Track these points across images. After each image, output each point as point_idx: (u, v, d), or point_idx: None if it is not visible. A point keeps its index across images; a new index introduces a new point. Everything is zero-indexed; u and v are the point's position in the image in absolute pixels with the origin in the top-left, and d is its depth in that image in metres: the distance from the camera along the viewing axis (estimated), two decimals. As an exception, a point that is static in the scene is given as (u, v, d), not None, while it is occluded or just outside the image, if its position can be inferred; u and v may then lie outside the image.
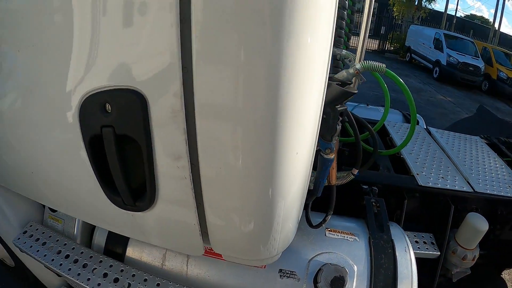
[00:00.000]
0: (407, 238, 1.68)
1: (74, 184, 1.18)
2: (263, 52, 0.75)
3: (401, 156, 2.29)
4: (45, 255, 1.65)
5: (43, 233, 1.74)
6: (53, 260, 1.62)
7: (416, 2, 26.89)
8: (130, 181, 0.99)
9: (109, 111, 0.87)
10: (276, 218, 1.05)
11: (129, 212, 1.10)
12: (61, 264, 1.60)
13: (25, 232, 1.78)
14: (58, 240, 1.68)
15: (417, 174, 2.05)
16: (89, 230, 1.75)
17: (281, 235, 1.16)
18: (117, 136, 0.90)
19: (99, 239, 1.64)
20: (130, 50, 0.82)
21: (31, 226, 1.80)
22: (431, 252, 1.96)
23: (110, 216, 1.19)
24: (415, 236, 2.01)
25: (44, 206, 1.93)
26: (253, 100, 0.81)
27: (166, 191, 1.00)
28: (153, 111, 0.84)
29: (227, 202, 1.00)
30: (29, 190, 1.49)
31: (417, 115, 2.98)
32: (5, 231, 1.93)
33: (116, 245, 1.61)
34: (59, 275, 1.71)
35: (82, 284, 1.51)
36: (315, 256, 1.53)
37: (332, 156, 1.34)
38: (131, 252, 1.58)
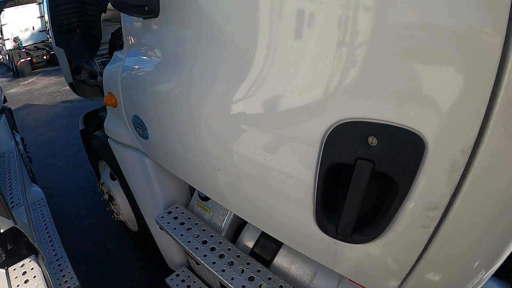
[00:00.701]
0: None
1: (272, 197, 1.11)
2: None
3: None
4: (189, 241, 1.65)
5: (189, 218, 1.75)
6: (197, 248, 1.62)
7: None
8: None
9: (373, 144, 0.79)
10: (472, 280, 0.92)
11: (333, 239, 1.01)
12: (205, 255, 1.58)
13: (169, 212, 1.81)
14: (205, 230, 1.68)
15: None
16: (236, 226, 1.73)
17: None
18: (374, 172, 0.81)
19: (248, 239, 1.61)
20: (419, 90, 0.72)
21: (176, 208, 1.83)
22: None
23: (302, 235, 1.11)
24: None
25: (192, 191, 1.96)
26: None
27: (397, 233, 0.89)
28: (428, 159, 0.76)
29: (449, 254, 0.89)
30: (201, 182, 1.48)
31: None
32: (148, 205, 2.00)
33: (265, 250, 1.56)
34: (197, 263, 1.72)
35: (225, 281, 1.49)
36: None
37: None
38: (280, 261, 1.51)
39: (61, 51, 3.21)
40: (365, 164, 0.81)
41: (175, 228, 1.72)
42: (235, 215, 1.74)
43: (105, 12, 3.22)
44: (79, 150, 5.12)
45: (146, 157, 1.81)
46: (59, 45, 3.26)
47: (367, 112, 0.79)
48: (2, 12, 15.19)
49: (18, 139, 3.78)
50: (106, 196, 2.64)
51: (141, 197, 2.05)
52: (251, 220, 1.31)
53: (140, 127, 1.66)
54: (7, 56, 17.00)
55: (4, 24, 15.70)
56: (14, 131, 3.82)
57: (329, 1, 0.79)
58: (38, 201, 3.02)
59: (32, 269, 1.68)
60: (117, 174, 2.30)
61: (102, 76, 3.47)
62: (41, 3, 15.58)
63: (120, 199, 2.46)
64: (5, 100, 4.05)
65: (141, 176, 1.90)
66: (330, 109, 0.84)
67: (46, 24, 15.82)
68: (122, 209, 2.49)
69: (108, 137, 2.18)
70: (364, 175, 0.82)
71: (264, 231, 1.28)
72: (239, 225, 1.76)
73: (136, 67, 1.66)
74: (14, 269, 1.68)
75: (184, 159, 1.43)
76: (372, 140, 0.79)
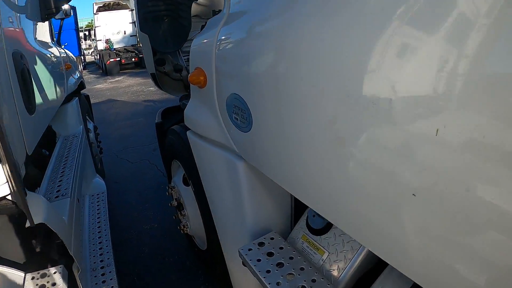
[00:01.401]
0: None
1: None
2: None
3: None
4: (290, 296, 1.07)
5: (291, 258, 1.16)
6: (302, 311, 1.03)
7: None
8: None
9: None
10: None
11: None
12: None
13: (261, 244, 1.24)
14: (314, 280, 1.08)
15: None
16: (357, 278, 1.11)
17: None
18: None
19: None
20: None
21: (272, 239, 1.25)
22: None
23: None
24: None
25: (294, 215, 1.38)
26: None
27: None
28: None
29: None
30: (355, 218, 0.89)
31: None
32: (229, 226, 1.47)
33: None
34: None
35: None
36: None
37: None
38: None
39: (145, 36, 2.93)
40: None
41: (268, 271, 1.15)
42: (361, 264, 1.12)
43: (196, 1, 2.90)
44: (154, 148, 4.96)
45: (240, 159, 1.26)
46: (144, 31, 3.00)
47: None
48: (96, 15, 16.78)
49: (91, 126, 3.63)
50: (175, 203, 2.21)
51: (221, 214, 1.52)
52: None
53: (238, 113, 1.13)
54: (98, 55, 18.67)
55: (97, 26, 17.30)
56: (88, 118, 3.67)
57: None
58: (98, 194, 2.74)
59: (54, 285, 1.19)
60: (192, 178, 1.83)
61: (187, 71, 3.18)
62: (133, 10, 16.70)
63: (191, 210, 2.00)
64: (83, 87, 3.94)
65: (228, 186, 1.36)
66: None
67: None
68: (192, 221, 2.03)
69: (188, 129, 1.71)
70: None
71: None
72: (367, 277, 1.14)
73: (243, 29, 1.15)
74: (33, 278, 1.21)
75: (325, 173, 0.83)
76: None
